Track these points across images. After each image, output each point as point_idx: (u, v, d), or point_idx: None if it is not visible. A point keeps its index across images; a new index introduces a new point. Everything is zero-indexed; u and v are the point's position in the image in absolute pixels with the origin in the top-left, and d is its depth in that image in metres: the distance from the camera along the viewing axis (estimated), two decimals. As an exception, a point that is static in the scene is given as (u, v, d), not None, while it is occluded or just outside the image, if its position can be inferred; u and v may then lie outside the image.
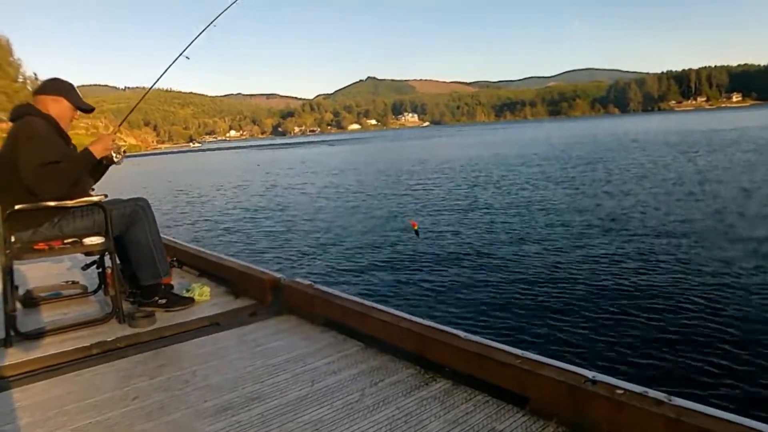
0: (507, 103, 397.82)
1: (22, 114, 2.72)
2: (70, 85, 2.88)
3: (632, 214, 10.00)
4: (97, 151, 2.78)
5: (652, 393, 1.46)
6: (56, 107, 2.79)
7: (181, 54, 3.34)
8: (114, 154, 2.92)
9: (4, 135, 2.74)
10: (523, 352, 1.80)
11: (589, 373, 1.60)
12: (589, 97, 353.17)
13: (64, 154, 2.72)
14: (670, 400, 1.42)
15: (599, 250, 7.60)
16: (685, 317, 4.90)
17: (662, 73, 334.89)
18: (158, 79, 3.36)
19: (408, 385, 1.92)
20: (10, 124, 2.73)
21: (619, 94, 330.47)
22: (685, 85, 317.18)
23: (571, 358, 4.08)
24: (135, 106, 3.34)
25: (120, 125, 3.14)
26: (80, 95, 2.90)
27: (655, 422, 1.39)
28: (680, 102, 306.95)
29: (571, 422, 1.58)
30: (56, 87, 2.83)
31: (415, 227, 5.06)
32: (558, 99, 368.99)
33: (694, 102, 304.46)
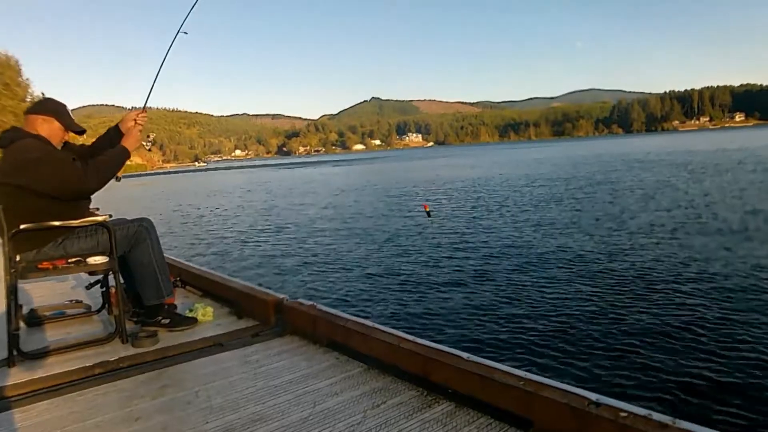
0: (511, 123, 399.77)
1: (13, 139, 2.67)
2: (62, 105, 2.88)
3: (637, 236, 9.97)
4: (131, 145, 2.90)
5: (657, 416, 1.44)
6: (46, 128, 2.77)
7: (179, 31, 3.36)
8: (144, 143, 3.02)
9: None
10: (526, 373, 1.78)
11: (593, 395, 1.59)
12: (592, 118, 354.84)
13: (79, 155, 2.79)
14: (674, 423, 1.40)
15: (602, 271, 7.57)
16: (689, 339, 4.84)
17: (665, 93, 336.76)
18: (163, 62, 3.33)
19: (410, 407, 1.91)
20: None
21: (623, 114, 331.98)
22: (687, 105, 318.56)
23: (575, 379, 4.04)
24: (154, 82, 3.31)
25: (144, 107, 3.15)
26: (72, 116, 2.91)
27: (660, 446, 1.38)
28: (683, 122, 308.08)
29: (575, 446, 1.56)
30: (47, 107, 2.84)
31: (427, 209, 5.05)
32: (562, 119, 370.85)
33: (697, 122, 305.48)
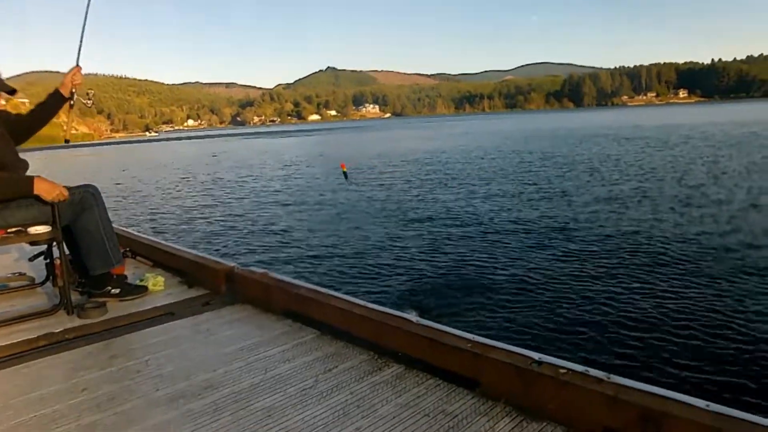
0: (466, 96, 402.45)
1: None
2: None
3: (585, 206, 10.28)
4: (39, 189, 2.64)
5: (593, 372, 1.53)
6: None
7: None
8: (84, 101, 2.96)
9: None
10: (474, 335, 1.84)
11: (536, 355, 1.66)
12: (544, 91, 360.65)
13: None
14: (609, 378, 1.49)
15: (548, 237, 7.89)
16: (626, 299, 5.14)
17: (615, 68, 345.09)
18: (87, 11, 3.19)
19: (361, 370, 1.95)
20: None
21: (574, 89, 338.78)
22: (636, 81, 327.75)
23: (521, 339, 4.25)
24: (82, 34, 3.11)
25: (77, 64, 3.01)
26: (1, 76, 2.77)
27: (595, 400, 1.46)
28: (632, 97, 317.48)
29: (518, 402, 1.63)
30: None
31: (344, 169, 4.92)
32: (515, 92, 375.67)
33: (644, 97, 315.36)
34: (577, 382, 1.51)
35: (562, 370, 1.56)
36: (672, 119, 54.15)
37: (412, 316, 2.05)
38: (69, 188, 2.87)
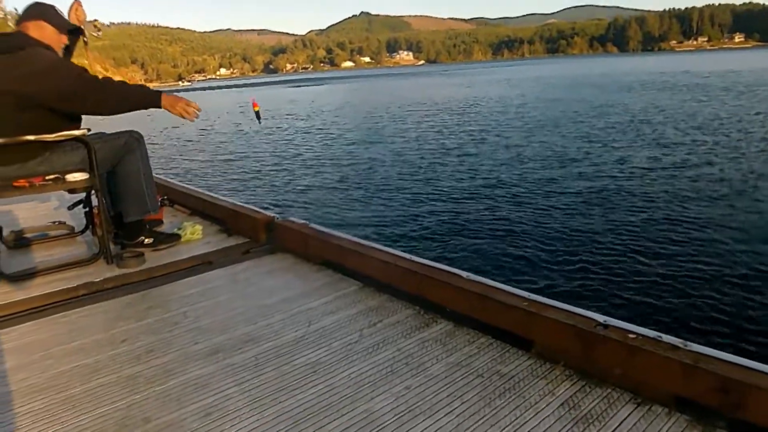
0: (505, 41, 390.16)
1: (22, 45, 2.41)
2: (51, 6, 2.60)
3: (649, 158, 9.75)
4: (165, 102, 2.61)
5: (667, 338, 1.39)
6: (39, 34, 2.51)
7: None
8: (95, 34, 2.88)
9: None
10: (529, 294, 1.72)
11: (600, 317, 1.53)
12: (587, 35, 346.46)
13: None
14: (686, 346, 1.35)
15: (611, 191, 7.42)
16: (700, 262, 4.76)
17: (664, 11, 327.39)
18: None
19: (408, 326, 1.85)
20: None
21: (619, 33, 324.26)
22: (686, 25, 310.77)
23: (580, 301, 3.97)
24: None
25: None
26: (63, 16, 2.66)
27: (668, 367, 1.33)
28: (681, 42, 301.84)
29: (580, 366, 1.51)
30: (37, 12, 2.55)
31: (256, 109, 4.51)
32: (557, 37, 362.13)
33: (695, 42, 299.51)
34: (649, 348, 1.37)
35: (632, 335, 1.43)
36: (729, 65, 50.71)
37: (461, 271, 1.93)
38: (112, 133, 2.80)
